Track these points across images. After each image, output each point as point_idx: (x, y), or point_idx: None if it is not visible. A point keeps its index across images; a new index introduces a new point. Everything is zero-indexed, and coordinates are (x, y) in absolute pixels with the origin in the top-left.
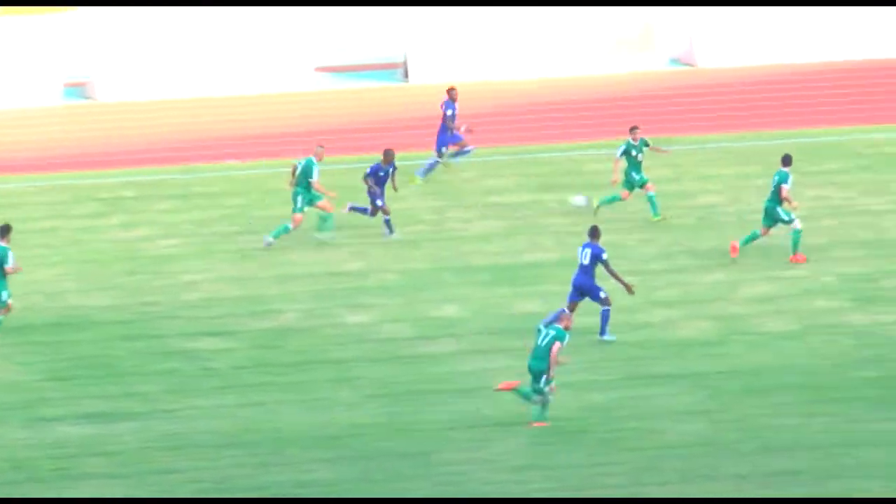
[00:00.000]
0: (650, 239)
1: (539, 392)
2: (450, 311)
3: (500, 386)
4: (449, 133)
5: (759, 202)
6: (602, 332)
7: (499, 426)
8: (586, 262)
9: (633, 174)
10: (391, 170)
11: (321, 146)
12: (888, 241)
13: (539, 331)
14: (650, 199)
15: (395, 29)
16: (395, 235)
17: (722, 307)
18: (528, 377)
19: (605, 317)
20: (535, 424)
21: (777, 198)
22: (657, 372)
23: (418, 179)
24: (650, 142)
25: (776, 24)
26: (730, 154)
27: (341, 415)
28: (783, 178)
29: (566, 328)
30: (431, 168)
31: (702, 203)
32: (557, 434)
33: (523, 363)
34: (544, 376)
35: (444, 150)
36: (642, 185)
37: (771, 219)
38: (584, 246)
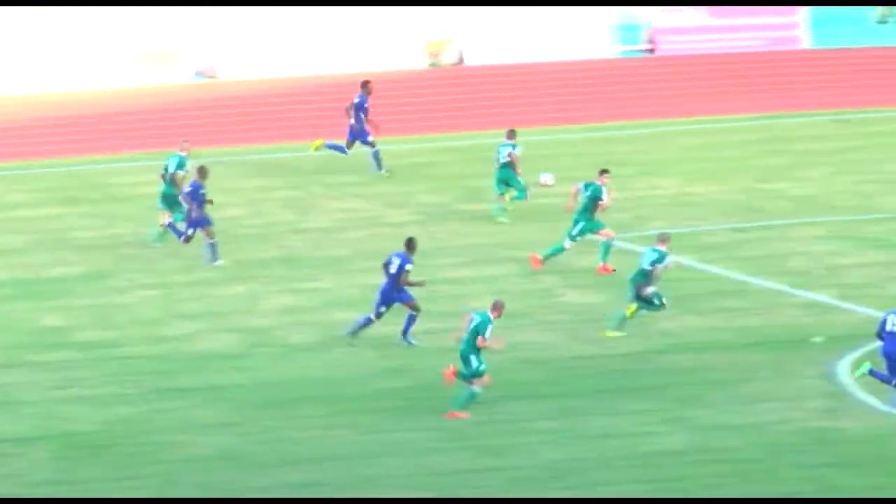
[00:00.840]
0: (174, 252)
1: (465, 377)
2: None
3: (447, 376)
4: (358, 122)
5: (282, 214)
6: (405, 334)
7: (21, 441)
8: (393, 270)
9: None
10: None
11: (186, 140)
12: None
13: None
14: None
15: None
16: (220, 262)
17: (245, 320)
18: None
19: (410, 320)
20: (454, 415)
21: (588, 212)
22: (181, 385)
23: (385, 174)
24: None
25: (295, 36)
26: (251, 166)
27: None
28: (597, 192)
29: (496, 317)
30: (376, 157)
31: (225, 216)
32: (81, 448)
33: (46, 376)
34: (472, 357)
35: (369, 138)
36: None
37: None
38: (395, 255)
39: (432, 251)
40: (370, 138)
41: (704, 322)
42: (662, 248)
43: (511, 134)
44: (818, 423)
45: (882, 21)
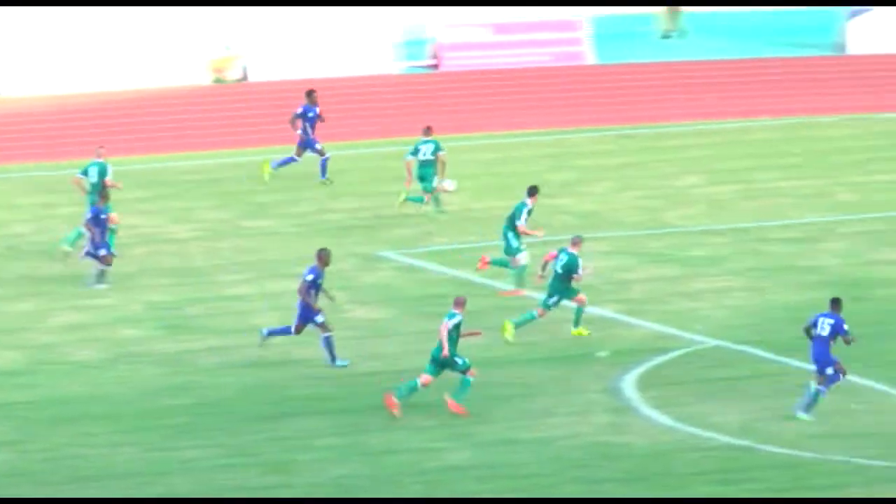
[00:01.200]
0: None
1: (464, 369)
2: None
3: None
4: (304, 132)
5: (67, 231)
6: (333, 360)
7: None
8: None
9: None
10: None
11: (102, 147)
12: (194, 270)
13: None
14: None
15: None
16: (102, 286)
17: (30, 336)
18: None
19: (326, 342)
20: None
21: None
22: None
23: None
24: None
25: (78, 51)
26: (35, 183)
27: None
28: (519, 210)
29: (461, 312)
30: (324, 165)
31: (9, 232)
32: None
33: None
34: (457, 360)
35: (317, 146)
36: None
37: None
38: (307, 269)
39: (215, 268)
40: (318, 146)
41: (489, 338)
42: (574, 251)
43: (428, 131)
44: (604, 437)
45: (666, 36)
